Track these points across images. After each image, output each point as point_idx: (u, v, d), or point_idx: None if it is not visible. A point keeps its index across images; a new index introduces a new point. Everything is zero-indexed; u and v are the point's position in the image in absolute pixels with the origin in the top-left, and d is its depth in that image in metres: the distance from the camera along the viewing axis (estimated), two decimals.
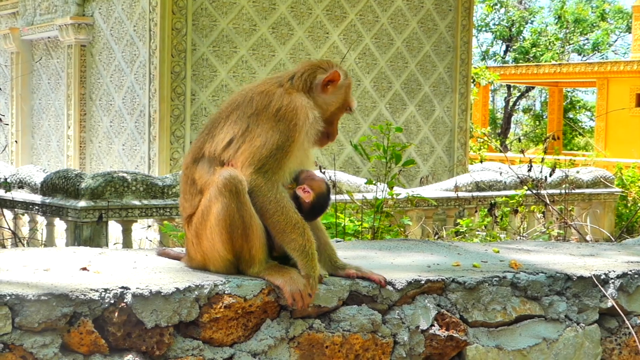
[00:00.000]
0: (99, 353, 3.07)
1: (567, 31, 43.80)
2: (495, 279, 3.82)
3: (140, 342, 3.13)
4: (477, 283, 3.76)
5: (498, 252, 4.45)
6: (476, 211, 12.05)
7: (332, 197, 3.75)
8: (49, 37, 15.74)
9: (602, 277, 4.07)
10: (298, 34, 14.30)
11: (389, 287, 3.58)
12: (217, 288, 3.25)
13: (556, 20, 44.54)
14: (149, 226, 11.54)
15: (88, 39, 14.72)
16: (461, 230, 10.60)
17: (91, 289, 3.07)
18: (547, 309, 3.93)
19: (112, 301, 3.07)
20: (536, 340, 3.89)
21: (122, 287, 3.11)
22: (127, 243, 9.61)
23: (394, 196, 8.77)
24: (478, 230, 10.96)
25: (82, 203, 9.16)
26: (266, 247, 3.39)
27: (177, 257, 3.76)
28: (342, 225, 7.92)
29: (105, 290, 3.08)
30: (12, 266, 3.42)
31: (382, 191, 8.51)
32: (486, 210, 11.24)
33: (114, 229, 9.91)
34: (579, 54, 44.77)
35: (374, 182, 8.57)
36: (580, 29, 43.69)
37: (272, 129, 3.37)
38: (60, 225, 10.08)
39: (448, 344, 3.68)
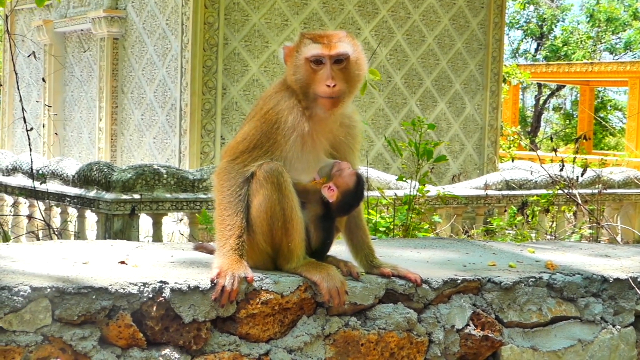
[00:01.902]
0: (137, 347, 3.09)
1: (599, 30, 43.48)
2: (531, 279, 3.81)
3: (178, 337, 3.14)
4: (513, 283, 3.75)
5: (533, 252, 4.44)
6: (505, 210, 12.00)
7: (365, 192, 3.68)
8: (81, 30, 15.81)
9: (638, 280, 4.05)
10: (330, 30, 14.28)
11: (425, 286, 3.58)
12: (254, 284, 3.26)
13: (588, 18, 44.23)
14: (180, 220, 11.58)
15: (121, 32, 14.78)
16: (491, 229, 10.56)
17: (130, 283, 3.09)
18: (583, 310, 3.92)
19: (151, 295, 3.09)
20: (571, 342, 3.88)
21: (161, 282, 3.13)
22: (157, 236, 9.64)
23: (425, 193, 8.76)
24: (508, 229, 10.92)
25: (113, 195, 9.20)
26: (304, 242, 3.39)
27: (213, 252, 3.77)
28: (374, 221, 7.92)
29: (144, 284, 3.10)
30: (51, 259, 3.45)
31: (413, 188, 8.50)
32: (516, 209, 11.19)
33: (145, 221, 9.96)
34: (611, 53, 44.44)
35: (405, 178, 8.56)
36: (612, 28, 43.35)
37: (256, 128, 3.39)
38: (91, 217, 10.14)
39: (483, 343, 3.68)
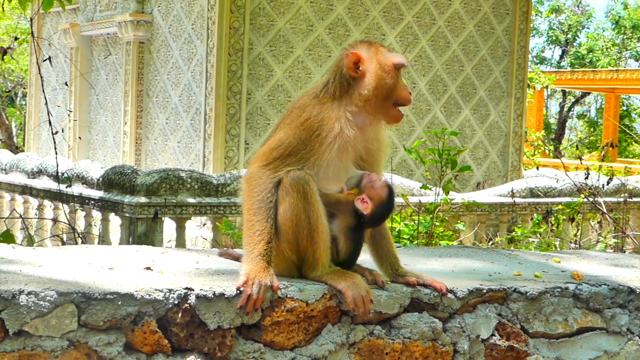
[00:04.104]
0: (162, 353, 3.09)
1: (625, 37, 43.26)
2: (557, 289, 3.78)
3: (203, 344, 3.14)
4: (539, 293, 3.73)
5: (559, 262, 4.41)
6: (531, 218, 11.94)
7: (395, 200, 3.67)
8: (108, 34, 15.90)
9: None
10: (354, 35, 14.29)
11: (450, 295, 3.56)
12: (279, 291, 3.26)
13: (613, 25, 44.03)
14: (204, 224, 11.60)
15: (146, 36, 14.85)
16: (515, 237, 10.51)
17: (156, 289, 3.09)
18: (609, 321, 3.89)
19: (176, 302, 3.09)
20: (597, 353, 3.85)
21: (186, 288, 3.12)
22: (181, 240, 9.67)
23: (449, 201, 8.74)
24: (531, 238, 10.87)
25: (138, 199, 9.24)
26: (330, 250, 3.38)
27: (238, 259, 3.77)
28: (397, 229, 7.90)
29: (170, 290, 3.10)
30: (77, 264, 3.46)
31: (437, 195, 8.48)
32: (540, 217, 11.14)
33: (168, 225, 9.98)
34: (636, 60, 44.20)
35: (429, 187, 8.54)
36: (638, 35, 43.12)
37: (293, 135, 3.36)
38: (115, 221, 10.17)
39: (508, 354, 3.65)
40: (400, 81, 3.45)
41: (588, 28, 44.77)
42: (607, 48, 42.17)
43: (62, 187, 9.50)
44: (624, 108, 41.03)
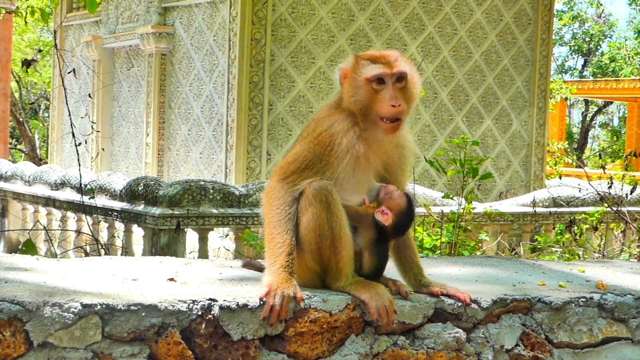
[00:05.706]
0: None
1: None
2: (581, 299, 3.76)
3: (226, 354, 3.14)
4: (563, 303, 3.71)
5: (584, 271, 4.38)
6: (554, 227, 11.88)
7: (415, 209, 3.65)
8: (130, 46, 15.96)
9: None
10: (376, 46, 14.28)
11: (474, 306, 3.55)
12: (302, 302, 3.25)
13: (636, 34, 43.80)
14: (226, 235, 11.61)
15: (168, 48, 14.90)
16: (539, 246, 10.46)
17: (179, 300, 3.09)
18: (634, 331, 3.86)
19: (200, 313, 3.09)
20: None
21: (210, 299, 3.13)
22: (203, 251, 9.68)
23: (471, 211, 8.71)
24: (555, 247, 10.81)
25: (160, 210, 9.25)
26: (353, 261, 3.38)
27: (261, 269, 3.77)
28: (420, 239, 7.88)
29: (193, 301, 3.10)
30: (101, 275, 3.47)
31: (459, 205, 8.45)
32: (563, 226, 11.08)
33: (191, 237, 9.99)
34: None
35: (451, 196, 8.52)
36: None
37: (308, 150, 3.37)
38: (137, 232, 10.20)
39: None
40: (380, 94, 3.34)
41: (610, 37, 44.57)
42: (629, 57, 41.94)
43: (85, 198, 9.53)
44: None
